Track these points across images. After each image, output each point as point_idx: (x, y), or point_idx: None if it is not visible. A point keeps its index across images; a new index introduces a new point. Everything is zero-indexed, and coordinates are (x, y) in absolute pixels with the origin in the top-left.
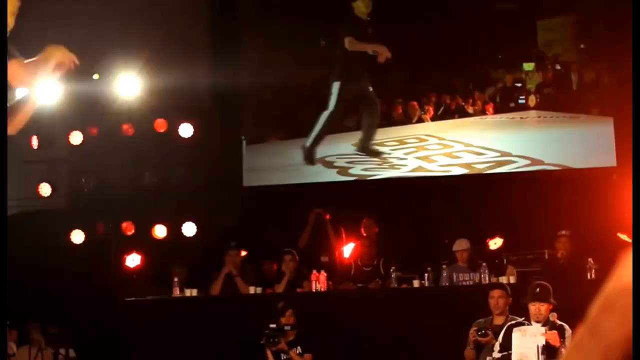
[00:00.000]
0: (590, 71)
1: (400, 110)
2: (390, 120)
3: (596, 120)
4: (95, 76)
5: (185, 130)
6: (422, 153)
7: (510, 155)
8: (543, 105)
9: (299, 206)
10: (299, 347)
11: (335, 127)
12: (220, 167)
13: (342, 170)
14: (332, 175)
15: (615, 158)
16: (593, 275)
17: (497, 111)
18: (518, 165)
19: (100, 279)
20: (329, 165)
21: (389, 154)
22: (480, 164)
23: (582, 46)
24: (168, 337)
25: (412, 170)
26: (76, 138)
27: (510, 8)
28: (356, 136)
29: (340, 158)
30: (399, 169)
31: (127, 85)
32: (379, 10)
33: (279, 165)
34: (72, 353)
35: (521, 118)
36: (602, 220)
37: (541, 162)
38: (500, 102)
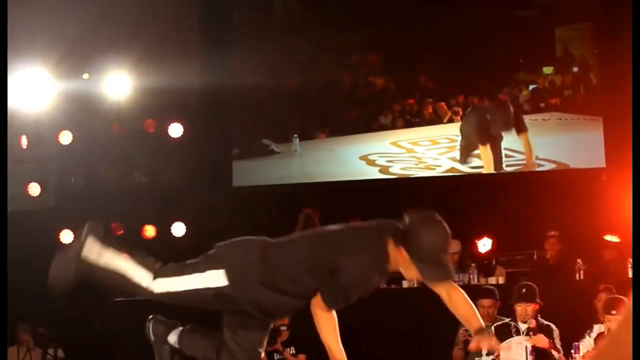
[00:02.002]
0: (603, 75)
1: (431, 110)
2: (422, 120)
3: (585, 121)
4: (85, 76)
5: (175, 130)
6: (453, 154)
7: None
8: (563, 107)
9: (289, 206)
10: (292, 348)
11: (373, 125)
12: (209, 167)
13: (384, 169)
14: (374, 174)
15: (604, 159)
16: (582, 276)
17: (527, 112)
18: (544, 169)
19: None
20: (372, 163)
21: (424, 153)
22: (509, 166)
23: (596, 51)
24: None
25: (446, 171)
26: (65, 138)
27: (530, 14)
28: (393, 135)
29: (381, 157)
30: (434, 169)
31: (117, 85)
32: (412, 18)
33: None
34: (60, 353)
35: (543, 120)
36: (591, 221)
37: (566, 165)
38: (531, 102)
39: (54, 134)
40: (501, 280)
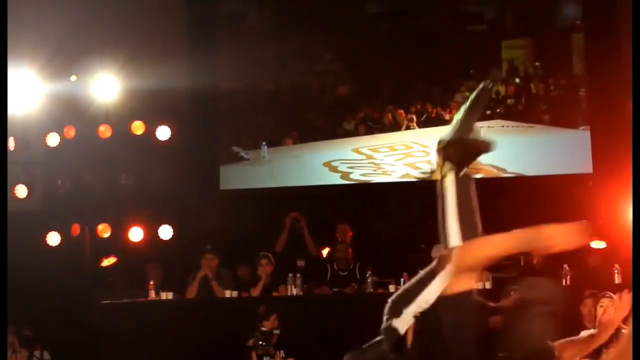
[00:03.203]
0: (543, 85)
1: (390, 117)
2: (382, 126)
3: (573, 127)
4: (73, 77)
5: (163, 133)
6: (409, 160)
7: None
8: (505, 115)
9: (276, 210)
10: (281, 352)
11: (336, 131)
12: (197, 170)
13: (344, 175)
14: (336, 179)
15: (591, 165)
16: (568, 282)
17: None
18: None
19: (75, 281)
20: (334, 170)
21: (382, 160)
22: None
23: (537, 64)
24: (144, 339)
25: (401, 177)
26: (53, 140)
27: (480, 29)
28: (355, 141)
29: (343, 163)
30: (390, 175)
31: (105, 86)
32: (374, 31)
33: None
34: (46, 355)
35: (488, 127)
36: None
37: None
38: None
39: (42, 136)
40: (488, 285)
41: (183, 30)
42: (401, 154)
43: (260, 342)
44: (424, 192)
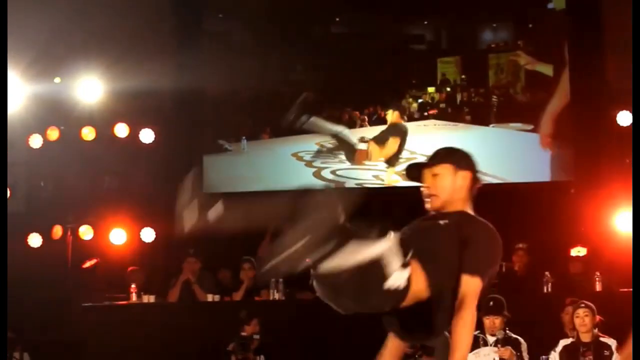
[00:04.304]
0: (467, 93)
1: (347, 117)
2: (341, 124)
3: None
4: (57, 79)
5: (146, 135)
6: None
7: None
8: (438, 116)
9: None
10: (262, 357)
11: (303, 128)
12: (180, 173)
13: (308, 164)
14: (302, 167)
15: (573, 172)
16: (549, 289)
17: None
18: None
19: (56, 283)
20: (300, 159)
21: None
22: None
23: (463, 76)
24: (125, 342)
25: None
26: (36, 141)
27: (420, 48)
28: (317, 137)
29: (307, 154)
30: (344, 163)
31: (89, 89)
32: (337, 48)
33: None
34: (26, 357)
35: (424, 125)
36: (559, 233)
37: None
38: (419, 112)
39: (24, 138)
40: None
41: (168, 34)
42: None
43: (240, 347)
44: (409, 196)
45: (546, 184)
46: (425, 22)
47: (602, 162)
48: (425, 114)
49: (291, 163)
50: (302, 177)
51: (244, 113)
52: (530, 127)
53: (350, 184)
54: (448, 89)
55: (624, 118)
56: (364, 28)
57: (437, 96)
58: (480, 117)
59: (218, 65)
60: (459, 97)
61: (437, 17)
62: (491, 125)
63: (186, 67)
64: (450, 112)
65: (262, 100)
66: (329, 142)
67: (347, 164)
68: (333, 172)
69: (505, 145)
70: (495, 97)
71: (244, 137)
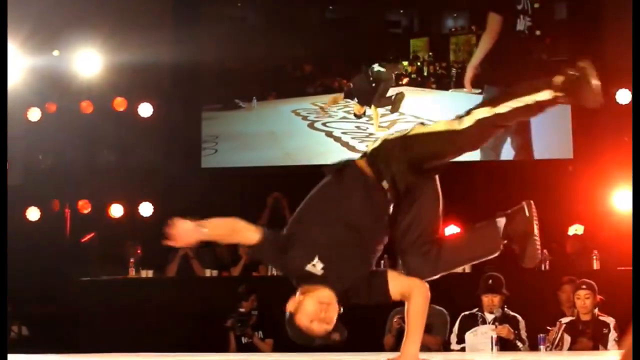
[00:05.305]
0: (433, 67)
1: (337, 84)
2: (331, 89)
3: (553, 111)
4: (55, 52)
5: (145, 109)
6: (347, 109)
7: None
8: (409, 84)
9: (258, 189)
10: (260, 332)
11: (303, 92)
12: (178, 147)
13: (304, 118)
14: (299, 122)
15: (572, 150)
16: (547, 267)
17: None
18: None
19: (54, 256)
20: (298, 114)
21: (329, 108)
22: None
23: (430, 53)
24: (123, 317)
25: (340, 119)
26: (34, 115)
27: (397, 32)
28: (313, 98)
29: (305, 111)
30: (332, 117)
31: (87, 62)
32: (333, 34)
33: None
34: (24, 331)
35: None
36: (557, 212)
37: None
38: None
39: (23, 111)
40: (467, 270)
41: (167, 6)
42: (341, 106)
43: (238, 323)
44: None
45: (544, 162)
46: (401, 11)
47: (601, 141)
48: (400, 82)
49: (291, 118)
50: (299, 128)
51: (253, 79)
52: (479, 90)
53: (337, 133)
54: (418, 64)
55: (623, 96)
56: (351, 14)
57: (409, 69)
58: (442, 84)
59: (218, 33)
60: (426, 70)
61: (411, 6)
62: (450, 90)
63: (185, 41)
64: (420, 81)
65: (267, 71)
66: (321, 103)
67: (334, 118)
68: (324, 124)
69: (460, 105)
70: (454, 69)
71: (254, 97)
